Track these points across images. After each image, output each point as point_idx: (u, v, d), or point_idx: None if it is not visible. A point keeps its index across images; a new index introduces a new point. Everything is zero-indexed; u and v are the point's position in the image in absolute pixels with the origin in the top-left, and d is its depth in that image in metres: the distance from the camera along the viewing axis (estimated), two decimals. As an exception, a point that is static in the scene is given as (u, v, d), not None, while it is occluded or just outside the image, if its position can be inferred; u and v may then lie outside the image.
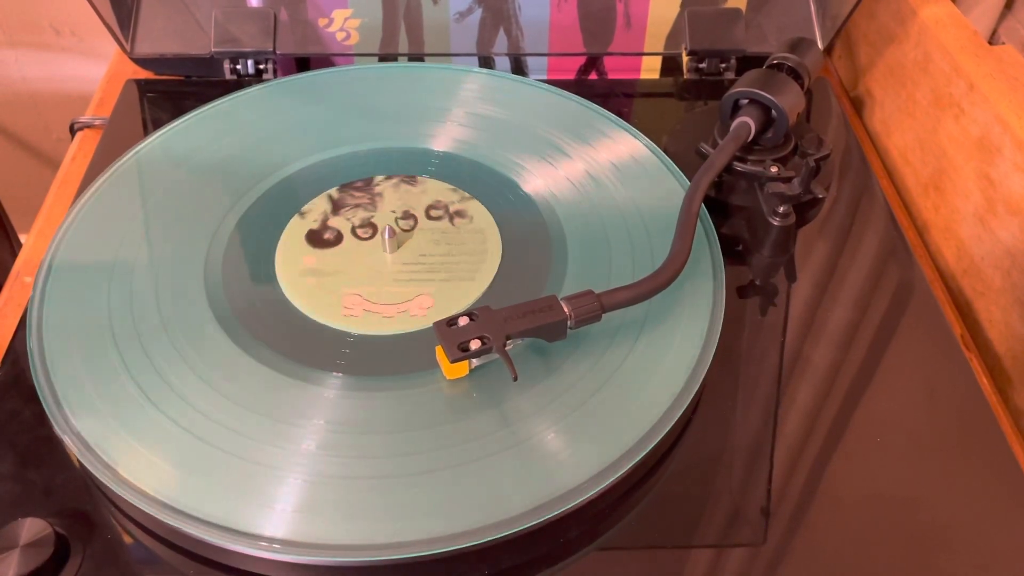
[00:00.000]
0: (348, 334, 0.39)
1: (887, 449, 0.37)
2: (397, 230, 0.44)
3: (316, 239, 0.44)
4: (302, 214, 0.45)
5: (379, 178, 0.46)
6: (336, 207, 0.45)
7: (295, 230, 0.44)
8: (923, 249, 0.52)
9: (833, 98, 0.57)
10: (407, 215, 0.44)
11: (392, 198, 0.46)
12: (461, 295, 0.41)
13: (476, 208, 0.45)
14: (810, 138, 0.48)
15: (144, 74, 0.59)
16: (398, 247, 0.43)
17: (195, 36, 0.58)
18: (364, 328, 0.40)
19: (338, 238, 0.43)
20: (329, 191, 0.46)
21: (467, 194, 0.45)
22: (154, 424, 0.35)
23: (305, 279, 0.42)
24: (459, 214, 0.44)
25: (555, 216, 0.45)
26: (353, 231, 0.44)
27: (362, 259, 0.43)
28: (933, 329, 0.43)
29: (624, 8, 0.59)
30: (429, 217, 0.44)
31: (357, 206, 0.45)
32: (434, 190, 0.46)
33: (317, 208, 0.45)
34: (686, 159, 0.49)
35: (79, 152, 0.56)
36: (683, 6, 0.59)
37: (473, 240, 0.43)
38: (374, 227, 0.44)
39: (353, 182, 0.46)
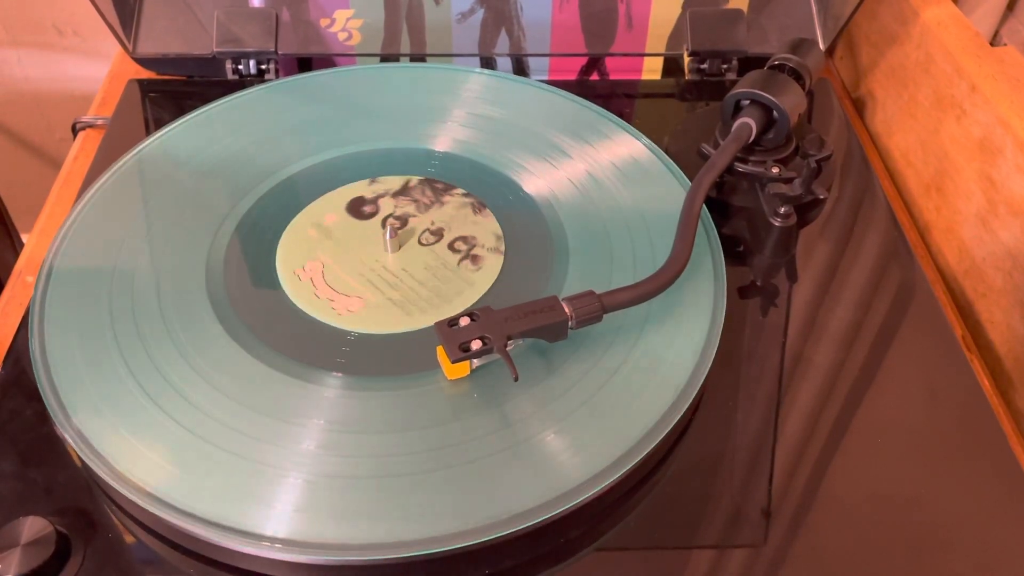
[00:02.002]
0: (349, 333, 0.39)
1: (888, 450, 0.37)
2: (412, 237, 0.43)
3: (356, 206, 0.44)
4: (373, 181, 0.46)
5: (458, 191, 0.46)
6: (401, 192, 0.45)
7: (350, 191, 0.45)
8: (924, 250, 0.52)
9: (835, 99, 0.57)
10: (437, 232, 0.43)
11: (447, 213, 0.45)
12: (387, 318, 0.40)
13: (493, 263, 0.43)
14: (811, 139, 0.48)
15: (146, 74, 0.59)
16: (399, 247, 0.43)
17: (197, 36, 0.58)
18: (294, 297, 0.40)
19: (372, 215, 0.44)
20: (411, 176, 0.46)
21: (503, 248, 0.43)
22: (155, 423, 0.36)
23: (309, 229, 0.43)
24: (473, 259, 0.42)
25: (556, 217, 0.45)
26: (386, 217, 0.44)
27: (364, 243, 0.43)
28: (934, 330, 0.43)
29: (626, 9, 0.59)
30: (450, 247, 0.43)
31: (416, 201, 0.45)
32: (484, 227, 0.44)
33: (387, 183, 0.46)
34: (687, 160, 0.49)
35: (81, 152, 0.56)
36: (685, 7, 0.59)
37: (453, 287, 0.41)
38: (403, 225, 0.44)
39: (436, 181, 0.46)
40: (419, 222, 0.44)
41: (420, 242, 0.44)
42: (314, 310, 0.40)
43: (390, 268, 0.42)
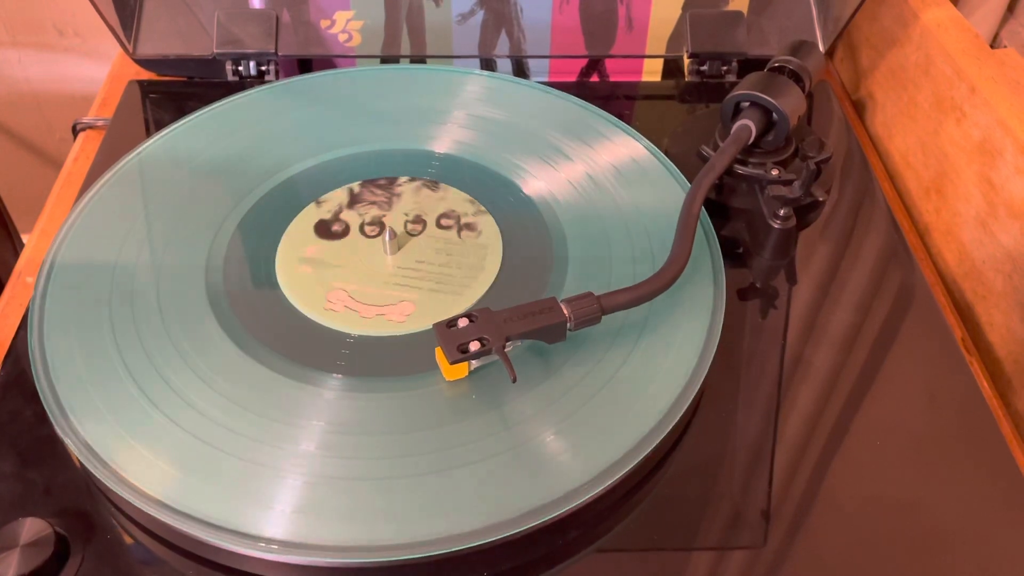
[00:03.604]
0: (348, 335, 0.39)
1: (887, 452, 0.37)
2: (398, 232, 0.44)
3: (324, 230, 0.44)
4: (319, 203, 0.45)
5: (403, 179, 0.46)
6: (353, 201, 0.45)
7: (306, 219, 0.44)
8: (924, 252, 0.52)
9: (834, 101, 0.57)
10: (418, 219, 0.43)
11: (409, 201, 0.46)
12: (444, 308, 0.41)
13: (487, 223, 0.44)
14: (811, 141, 0.48)
15: (146, 75, 0.59)
16: (398, 249, 0.43)
17: (197, 37, 0.58)
18: (341, 325, 0.40)
19: (345, 231, 0.43)
20: (351, 184, 0.46)
21: (483, 208, 0.45)
22: (155, 424, 0.36)
23: (301, 267, 0.42)
24: (468, 227, 0.44)
25: (556, 218, 0.45)
26: (362, 227, 0.44)
27: (363, 256, 0.43)
28: (934, 332, 0.43)
29: (626, 10, 0.59)
30: (439, 226, 0.44)
31: (373, 203, 0.45)
32: (452, 199, 0.46)
33: (334, 199, 0.46)
34: (687, 161, 0.49)
35: (81, 152, 0.56)
36: (685, 8, 0.59)
37: (475, 255, 0.43)
38: (382, 226, 0.44)
39: (376, 179, 0.46)
40: (394, 218, 0.45)
41: (409, 233, 0.44)
42: (299, 299, 0.40)
43: (406, 265, 0.42)
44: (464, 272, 0.42)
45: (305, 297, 0.41)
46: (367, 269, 0.42)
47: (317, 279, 0.42)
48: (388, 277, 0.42)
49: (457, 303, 0.41)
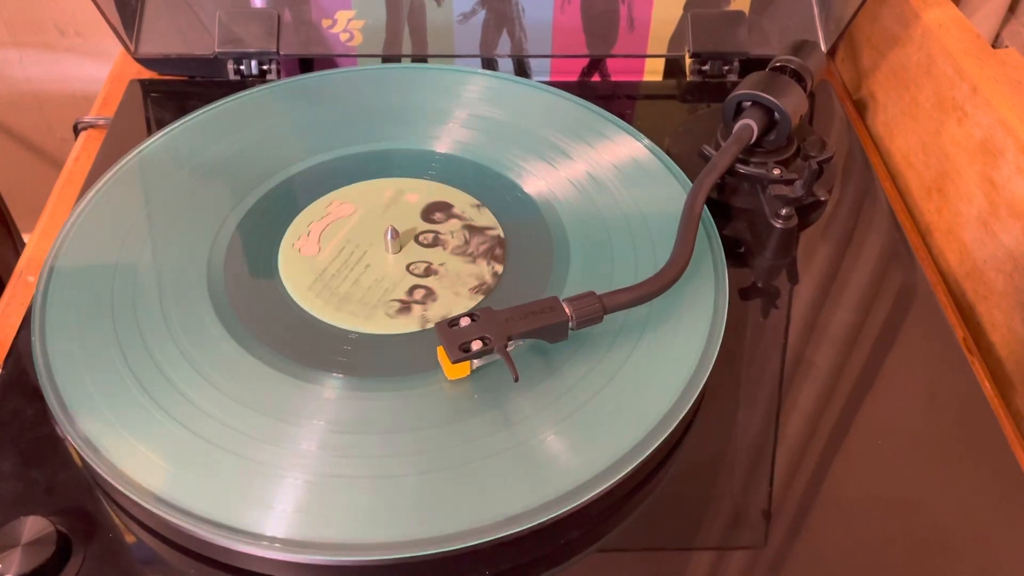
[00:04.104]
0: (350, 333, 0.39)
1: (889, 452, 0.37)
2: (400, 232, 0.44)
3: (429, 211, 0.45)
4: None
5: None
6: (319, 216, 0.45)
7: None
8: (925, 252, 0.52)
9: (836, 101, 0.57)
10: (428, 270, 0.42)
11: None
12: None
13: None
14: (813, 141, 0.48)
15: (148, 74, 0.59)
16: (400, 248, 0.43)
17: (199, 37, 0.58)
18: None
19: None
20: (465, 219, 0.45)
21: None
22: (156, 423, 0.36)
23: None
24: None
25: (557, 218, 0.45)
26: (422, 234, 0.44)
27: (375, 234, 0.44)
28: (935, 332, 0.43)
29: (627, 10, 0.59)
30: (435, 221, 0.44)
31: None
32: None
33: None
34: (689, 161, 0.49)
35: (83, 152, 0.56)
36: (686, 8, 0.59)
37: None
38: (433, 237, 0.44)
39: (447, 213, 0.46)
40: (377, 226, 0.45)
41: (420, 243, 0.44)
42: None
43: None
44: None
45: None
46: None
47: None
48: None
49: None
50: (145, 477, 0.34)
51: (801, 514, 0.35)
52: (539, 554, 0.34)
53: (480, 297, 0.41)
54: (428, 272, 0.42)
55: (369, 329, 0.40)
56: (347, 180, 0.47)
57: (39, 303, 0.40)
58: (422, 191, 0.47)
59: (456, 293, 0.41)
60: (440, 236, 0.44)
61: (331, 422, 0.36)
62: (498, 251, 0.43)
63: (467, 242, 0.43)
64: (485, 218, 0.45)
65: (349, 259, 0.43)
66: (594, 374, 0.38)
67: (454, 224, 0.45)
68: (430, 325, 0.40)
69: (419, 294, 0.41)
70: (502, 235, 0.44)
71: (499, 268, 0.42)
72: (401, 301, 0.41)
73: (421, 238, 0.44)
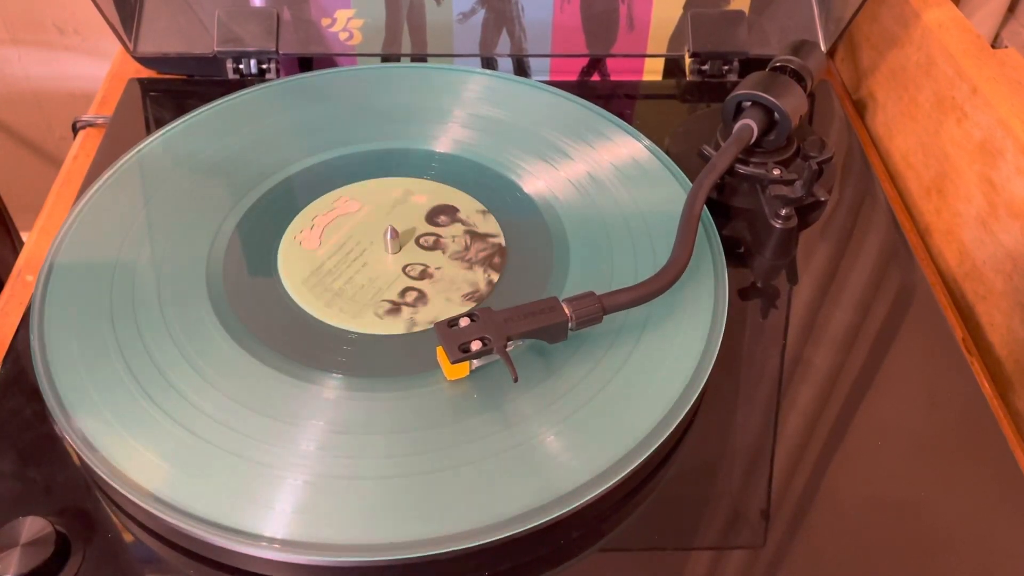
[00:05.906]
0: (349, 333, 0.39)
1: (888, 452, 0.37)
2: (400, 233, 0.44)
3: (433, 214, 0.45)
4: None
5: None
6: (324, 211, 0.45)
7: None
8: (925, 252, 0.52)
9: (835, 101, 0.57)
10: (423, 273, 0.42)
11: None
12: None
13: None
14: (812, 141, 0.48)
15: (147, 73, 0.59)
16: (400, 248, 0.43)
17: (198, 35, 0.58)
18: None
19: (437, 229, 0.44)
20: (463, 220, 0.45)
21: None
22: (155, 423, 0.35)
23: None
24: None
25: (557, 217, 0.45)
26: (423, 236, 0.44)
27: (378, 233, 0.44)
28: (934, 332, 0.43)
29: (627, 10, 0.59)
30: (437, 224, 0.44)
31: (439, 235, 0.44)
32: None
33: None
34: (688, 161, 0.49)
35: (81, 151, 0.56)
36: (686, 8, 0.59)
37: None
38: (434, 240, 0.44)
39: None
40: (377, 225, 0.45)
41: (421, 246, 0.44)
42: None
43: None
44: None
45: (315, 206, 0.41)
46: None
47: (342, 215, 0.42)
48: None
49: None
50: (144, 477, 0.34)
51: (800, 514, 0.35)
52: (539, 554, 0.34)
53: (471, 305, 0.41)
54: (423, 275, 0.42)
55: (356, 327, 0.40)
56: (346, 180, 0.47)
57: (38, 302, 0.40)
58: (430, 193, 0.46)
59: (448, 299, 0.41)
60: (441, 240, 0.44)
61: (331, 422, 0.36)
62: (496, 260, 0.43)
63: (467, 248, 0.43)
64: (489, 225, 0.45)
65: (348, 256, 0.43)
66: (594, 375, 0.38)
67: (457, 228, 0.45)
68: (417, 329, 0.40)
69: (411, 297, 0.41)
70: (503, 244, 0.44)
71: (495, 277, 0.42)
72: (392, 302, 0.41)
73: (422, 240, 0.44)
